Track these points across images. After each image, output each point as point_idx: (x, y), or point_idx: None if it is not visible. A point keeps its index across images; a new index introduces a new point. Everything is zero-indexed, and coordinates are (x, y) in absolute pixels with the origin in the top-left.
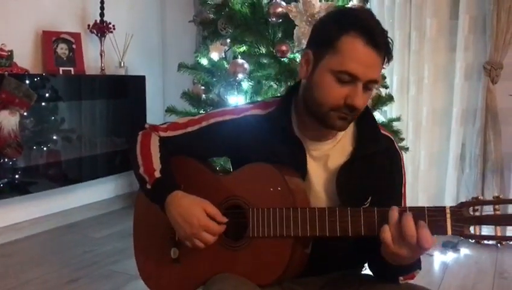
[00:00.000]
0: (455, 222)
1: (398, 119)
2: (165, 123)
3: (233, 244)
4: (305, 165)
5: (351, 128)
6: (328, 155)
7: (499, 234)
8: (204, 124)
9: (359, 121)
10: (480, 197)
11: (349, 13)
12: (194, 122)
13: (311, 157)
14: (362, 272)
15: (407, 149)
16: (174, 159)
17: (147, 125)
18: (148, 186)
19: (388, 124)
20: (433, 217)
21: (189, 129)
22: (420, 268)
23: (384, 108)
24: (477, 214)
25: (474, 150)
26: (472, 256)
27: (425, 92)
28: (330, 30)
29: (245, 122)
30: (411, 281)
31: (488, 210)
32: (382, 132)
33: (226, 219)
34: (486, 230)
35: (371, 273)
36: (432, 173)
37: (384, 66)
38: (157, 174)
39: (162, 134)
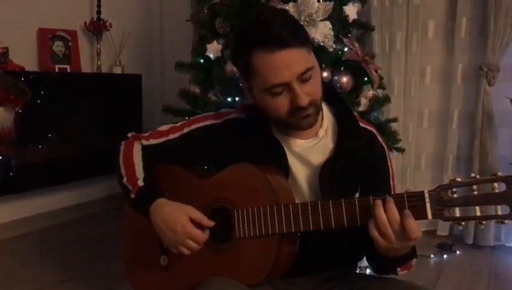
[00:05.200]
0: (434, 205)
1: (395, 120)
2: (147, 132)
3: (221, 247)
4: (286, 163)
5: (331, 125)
6: (310, 152)
7: (478, 214)
8: (185, 130)
9: (339, 118)
10: (458, 179)
11: (244, 32)
12: (176, 129)
13: (293, 154)
14: (356, 272)
15: (403, 150)
16: (157, 167)
17: (129, 135)
18: (132, 196)
19: (385, 125)
20: (412, 202)
21: (171, 136)
22: (416, 257)
23: (382, 109)
24: (455, 196)
25: (471, 152)
26: (467, 258)
27: (422, 93)
28: (240, 60)
29: (226, 126)
30: (404, 274)
31: (466, 192)
32: (363, 125)
33: (212, 222)
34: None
35: (365, 272)
36: (428, 175)
37: (308, 47)
38: (140, 182)
39: (145, 142)
